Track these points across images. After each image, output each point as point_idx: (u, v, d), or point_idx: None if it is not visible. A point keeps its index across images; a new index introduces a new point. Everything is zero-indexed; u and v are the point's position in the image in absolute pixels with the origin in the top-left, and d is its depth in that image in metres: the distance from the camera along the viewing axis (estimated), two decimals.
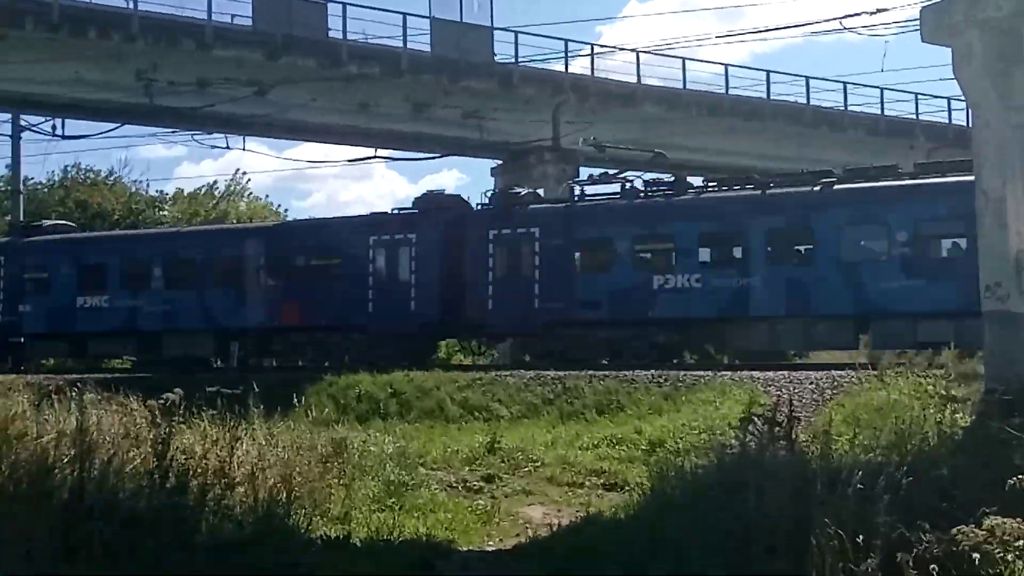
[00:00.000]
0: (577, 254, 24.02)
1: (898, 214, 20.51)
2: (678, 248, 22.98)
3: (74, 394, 10.33)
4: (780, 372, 19.06)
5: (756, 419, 8.80)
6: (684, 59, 34.98)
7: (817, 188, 21.78)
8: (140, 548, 6.78)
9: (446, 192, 29.11)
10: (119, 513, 7.05)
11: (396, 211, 27.89)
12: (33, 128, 36.01)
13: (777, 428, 8.36)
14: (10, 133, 39.69)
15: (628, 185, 24.46)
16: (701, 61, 42.46)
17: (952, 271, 19.29)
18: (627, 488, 13.04)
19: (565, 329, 23.62)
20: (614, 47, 56.15)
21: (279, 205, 55.35)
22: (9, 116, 36.50)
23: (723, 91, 35.60)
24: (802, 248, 22.38)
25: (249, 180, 54.84)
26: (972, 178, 13.15)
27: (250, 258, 27.88)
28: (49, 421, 8.45)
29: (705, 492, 8.29)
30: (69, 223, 34.54)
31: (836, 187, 21.61)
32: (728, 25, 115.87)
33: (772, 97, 36.40)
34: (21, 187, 42.29)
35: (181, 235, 31.89)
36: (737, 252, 22.61)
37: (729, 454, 9.46)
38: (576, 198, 25.26)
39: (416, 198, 27.74)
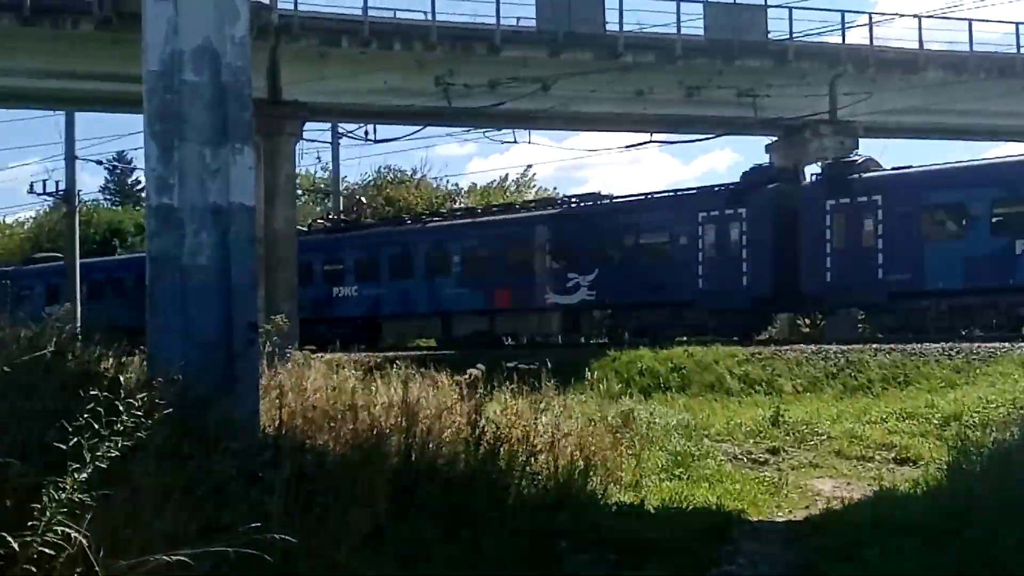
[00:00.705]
0: (926, 221, 22.28)
1: None
2: None
3: (393, 369, 11.12)
4: None
5: None
6: (970, 20, 32.15)
7: None
8: (460, 509, 7.07)
9: (771, 164, 28.05)
10: (440, 477, 7.39)
11: (723, 186, 27.00)
12: (349, 134, 38.97)
13: None
14: (330, 140, 43.32)
15: None
16: (988, 21, 38.89)
17: None
18: (921, 463, 12.34)
19: (912, 300, 22.15)
20: (894, 15, 52.47)
21: (561, 194, 56.48)
22: (329, 125, 39.80)
23: (1014, 51, 32.34)
24: None
25: (535, 174, 56.39)
26: None
27: (575, 238, 27.95)
28: (377, 393, 9.05)
29: (1012, 466, 7.64)
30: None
31: None
32: None
33: None
34: (339, 187, 45.95)
35: (517, 220, 31.53)
36: None
37: None
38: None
39: (744, 172, 26.90)
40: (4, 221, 61.59)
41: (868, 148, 45.87)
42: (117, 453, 4.02)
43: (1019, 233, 20.85)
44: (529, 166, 62.60)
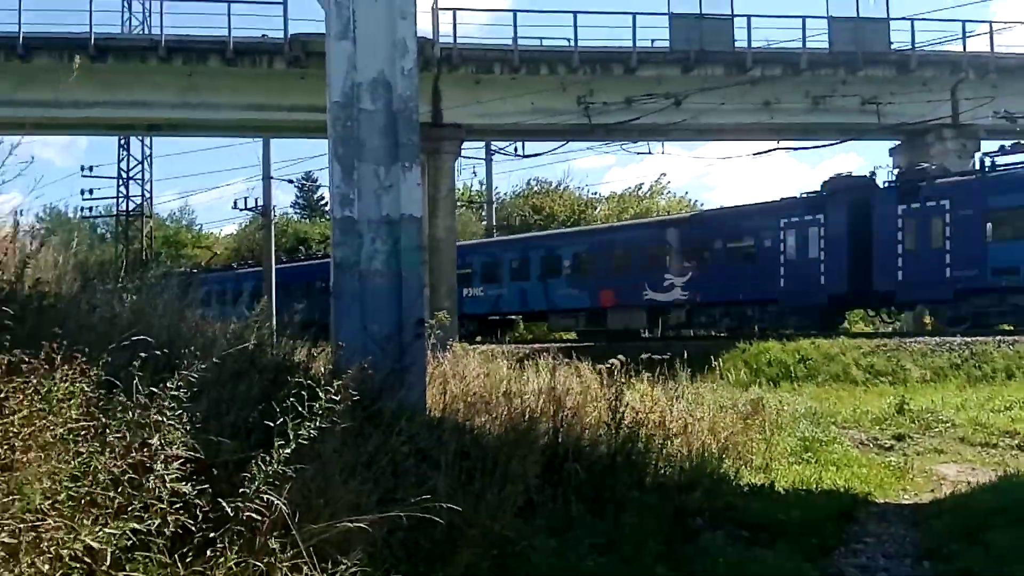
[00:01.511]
0: (989, 224, 21.67)
1: None
2: None
3: (540, 359, 11.19)
4: None
5: None
6: None
7: None
8: (602, 487, 7.06)
9: (851, 174, 27.43)
10: (585, 458, 7.37)
11: (803, 195, 27.01)
12: (500, 151, 39.47)
13: None
14: (484, 156, 44.00)
15: None
16: None
17: None
18: None
19: (977, 296, 21.59)
20: (1014, 22, 49.14)
21: (693, 200, 55.45)
22: (483, 143, 40.40)
23: None
24: None
25: (669, 181, 55.59)
26: None
27: (670, 244, 28.83)
28: (527, 381, 9.14)
29: None
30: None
31: None
32: None
33: None
34: (492, 198, 46.61)
35: (621, 228, 33.73)
36: None
37: None
38: (987, 169, 22.81)
39: (823, 181, 26.79)
40: (213, 233, 65.37)
41: (990, 149, 43.12)
42: (315, 433, 4.21)
43: None
44: (663, 174, 61.73)
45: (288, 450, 4.06)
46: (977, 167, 24.03)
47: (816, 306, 24.69)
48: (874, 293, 24.12)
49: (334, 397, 4.36)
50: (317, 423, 4.20)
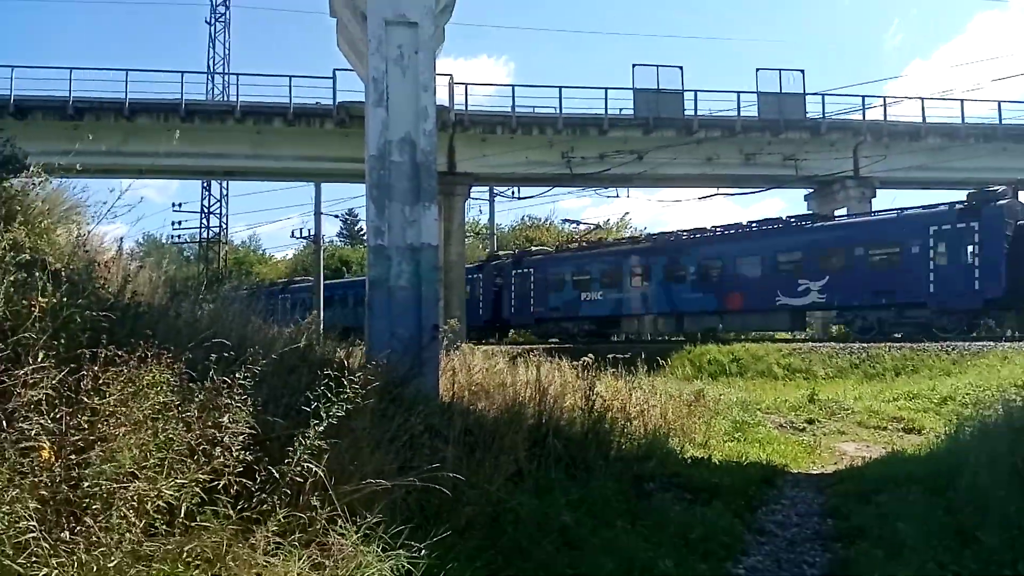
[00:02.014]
0: None
1: None
2: None
3: (529, 357, 11.13)
4: None
5: None
6: (962, 100, 30.11)
7: None
8: (577, 458, 7.03)
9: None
10: (563, 435, 7.34)
11: (954, 203, 21.25)
12: (500, 194, 39.46)
13: None
14: (488, 198, 44.06)
15: None
16: (976, 101, 35.93)
17: None
18: (923, 432, 11.53)
19: None
20: (903, 97, 49.40)
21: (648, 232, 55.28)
22: (487, 188, 40.46)
23: (996, 122, 29.98)
24: None
25: (631, 218, 55.34)
26: None
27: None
28: (518, 374, 9.09)
29: (994, 435, 7.04)
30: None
31: None
32: (1002, 70, 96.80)
33: None
34: (494, 231, 46.64)
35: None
36: None
37: (1014, 405, 7.98)
38: None
39: (969, 193, 21.37)
40: (275, 256, 65.22)
41: (883, 197, 43.26)
42: (343, 413, 4.17)
43: None
44: (626, 213, 62.07)
45: (322, 427, 4.03)
46: None
47: (970, 310, 20.01)
48: None
49: (355, 384, 4.32)
50: (344, 405, 4.17)
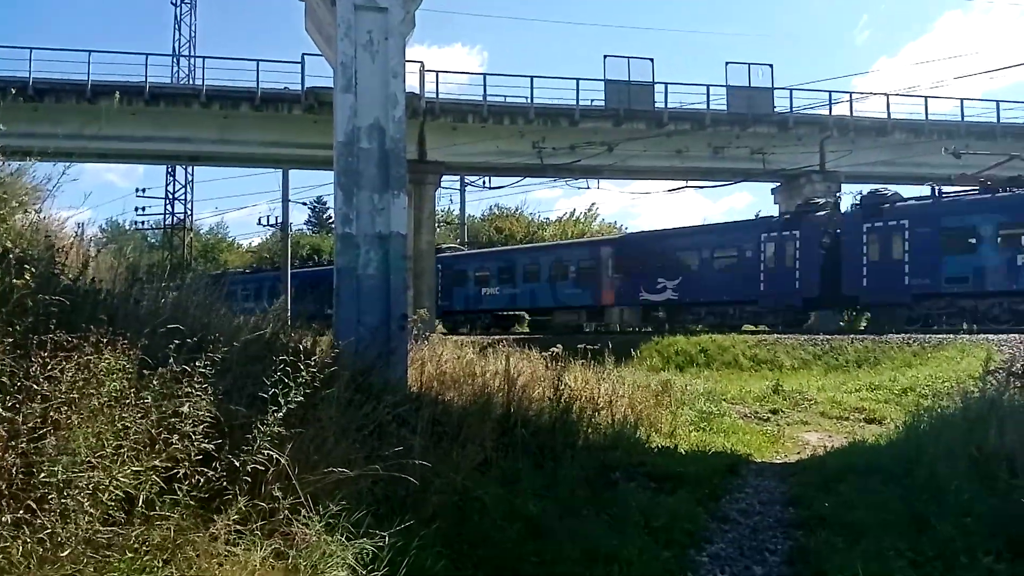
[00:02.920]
0: (942, 240, 20.09)
1: None
2: None
3: (499, 348, 11.12)
4: (1011, 335, 16.15)
5: (999, 371, 7.51)
6: (926, 97, 30.74)
7: None
8: (544, 448, 7.02)
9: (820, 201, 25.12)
10: (531, 424, 7.33)
11: (781, 215, 25.29)
12: (472, 184, 39.30)
13: (1013, 376, 7.09)
14: (459, 187, 43.89)
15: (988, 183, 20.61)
16: (939, 98, 36.48)
17: None
18: (884, 422, 11.76)
19: (931, 300, 20.28)
20: (869, 93, 50.14)
21: (622, 225, 55.73)
22: (458, 177, 40.29)
23: (959, 119, 30.66)
24: None
25: (599, 208, 55.56)
26: None
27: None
28: (488, 364, 9.07)
29: (951, 425, 7.23)
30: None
31: None
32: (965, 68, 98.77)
33: (1002, 121, 30.76)
34: (465, 220, 46.49)
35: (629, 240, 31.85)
36: None
37: (971, 397, 8.19)
38: (939, 196, 21.63)
39: (798, 204, 24.94)
40: (242, 243, 64.18)
41: (848, 191, 44.08)
42: (301, 398, 4.10)
43: (1019, 249, 18.98)
44: (593, 203, 62.44)
45: (280, 414, 3.97)
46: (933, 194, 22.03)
47: (791, 306, 23.05)
48: (841, 296, 22.29)
49: (313, 370, 4.25)
50: (303, 391, 4.10)
